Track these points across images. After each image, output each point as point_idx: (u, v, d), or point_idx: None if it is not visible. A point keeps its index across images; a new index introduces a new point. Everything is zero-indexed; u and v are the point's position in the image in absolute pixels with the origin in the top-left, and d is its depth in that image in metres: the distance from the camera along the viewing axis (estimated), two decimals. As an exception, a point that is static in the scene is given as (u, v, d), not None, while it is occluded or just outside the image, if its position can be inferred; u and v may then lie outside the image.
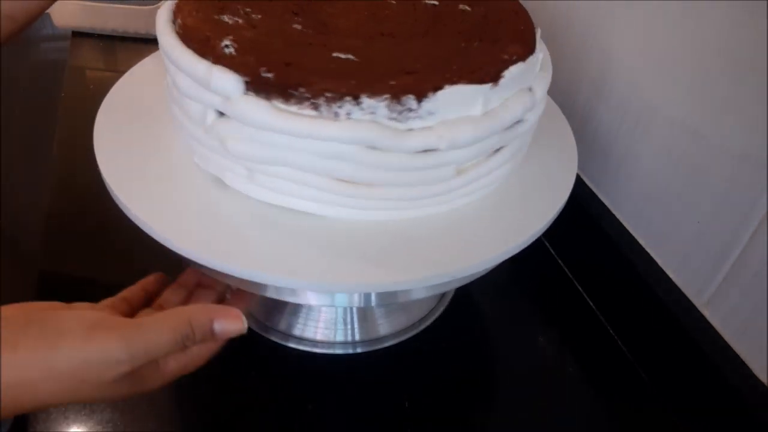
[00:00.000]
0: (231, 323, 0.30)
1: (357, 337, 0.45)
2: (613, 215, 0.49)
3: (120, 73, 0.43)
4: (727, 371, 0.38)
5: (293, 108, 0.29)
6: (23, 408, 0.27)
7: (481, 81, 0.31)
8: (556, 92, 0.47)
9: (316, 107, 0.29)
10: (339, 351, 0.44)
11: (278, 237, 0.32)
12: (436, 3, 0.38)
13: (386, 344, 0.45)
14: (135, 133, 0.38)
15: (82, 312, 0.28)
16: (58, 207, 0.56)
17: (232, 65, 0.30)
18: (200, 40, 0.31)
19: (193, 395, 0.41)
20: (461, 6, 0.38)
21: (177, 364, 0.30)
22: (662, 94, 0.42)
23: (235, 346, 0.44)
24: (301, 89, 0.29)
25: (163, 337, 0.28)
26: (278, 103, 0.29)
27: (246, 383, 0.42)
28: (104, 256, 0.50)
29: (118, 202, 0.34)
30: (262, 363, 0.43)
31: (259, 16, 0.34)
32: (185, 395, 0.41)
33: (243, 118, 0.30)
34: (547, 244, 0.55)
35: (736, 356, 0.38)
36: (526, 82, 0.34)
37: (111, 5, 0.77)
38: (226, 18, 0.33)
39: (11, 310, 0.27)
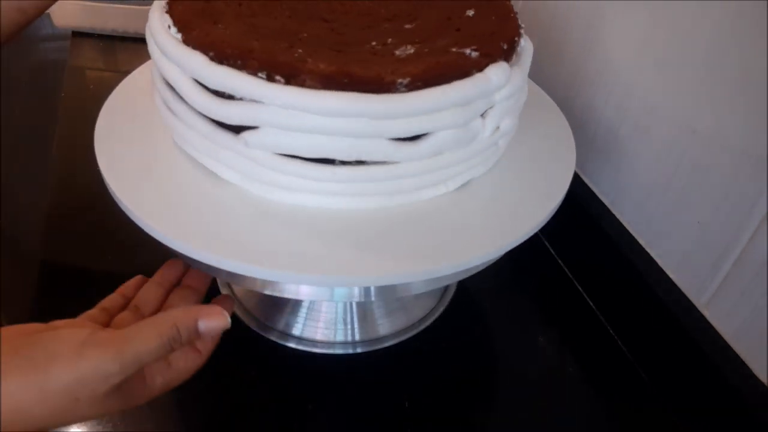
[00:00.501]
0: (215, 320, 0.30)
1: (357, 337, 0.45)
2: (613, 215, 0.49)
3: (120, 72, 0.43)
4: (727, 371, 0.38)
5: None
6: None
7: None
8: (556, 92, 0.47)
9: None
10: (339, 351, 0.44)
11: (280, 232, 0.32)
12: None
13: (386, 344, 0.45)
14: (135, 133, 0.38)
15: (68, 331, 0.28)
16: (58, 207, 0.56)
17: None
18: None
19: (193, 395, 0.41)
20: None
21: (163, 379, 0.31)
22: (662, 94, 0.42)
23: (235, 345, 0.44)
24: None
25: (151, 344, 0.28)
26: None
27: (246, 383, 0.42)
28: (104, 255, 0.50)
29: (117, 201, 0.34)
30: (262, 363, 0.43)
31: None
32: (185, 395, 0.41)
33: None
34: (547, 244, 0.55)
35: (736, 356, 0.38)
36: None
37: (111, 5, 0.77)
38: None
39: None
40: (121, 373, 0.27)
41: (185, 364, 0.31)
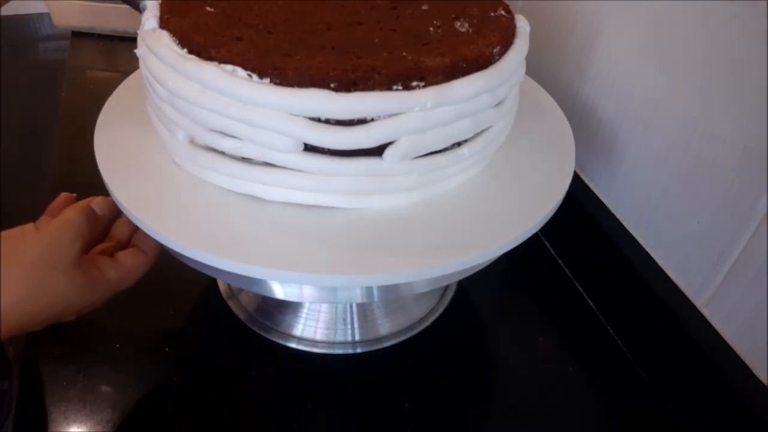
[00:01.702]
0: (97, 200, 0.37)
1: (357, 337, 0.45)
2: (613, 215, 0.49)
3: (120, 72, 0.43)
4: (727, 371, 0.38)
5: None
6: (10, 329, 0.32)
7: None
8: (556, 92, 0.47)
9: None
10: (339, 351, 0.44)
11: (280, 234, 0.32)
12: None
13: (386, 344, 0.45)
14: (135, 134, 0.38)
15: (17, 228, 0.34)
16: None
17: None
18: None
19: (193, 395, 0.41)
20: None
21: (116, 273, 0.36)
22: (662, 94, 0.42)
23: (235, 345, 0.44)
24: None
25: (77, 213, 0.35)
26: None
27: (246, 383, 0.42)
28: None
29: (117, 202, 0.34)
30: (262, 363, 0.43)
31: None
32: (185, 395, 0.41)
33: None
34: (547, 244, 0.55)
35: (736, 356, 0.38)
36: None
37: (111, 5, 0.77)
38: None
39: None
40: (77, 238, 0.34)
41: (132, 260, 0.37)
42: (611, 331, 0.48)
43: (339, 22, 0.35)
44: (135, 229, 0.40)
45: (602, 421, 0.43)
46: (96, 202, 0.37)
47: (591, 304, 0.50)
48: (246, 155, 0.33)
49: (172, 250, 0.33)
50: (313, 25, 0.34)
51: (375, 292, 0.35)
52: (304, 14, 0.36)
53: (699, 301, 0.41)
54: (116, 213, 0.38)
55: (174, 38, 0.33)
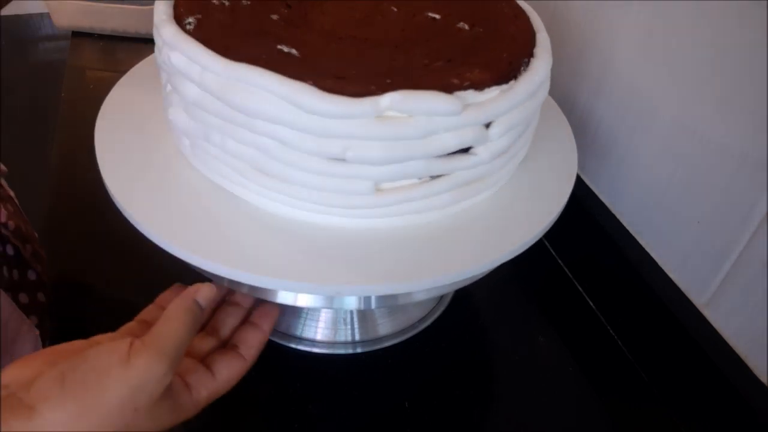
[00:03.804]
0: (204, 290, 0.31)
1: (357, 337, 0.45)
2: (613, 215, 0.49)
3: (120, 73, 0.43)
4: (727, 371, 0.38)
5: None
6: None
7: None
8: (556, 92, 0.47)
9: None
10: (339, 351, 0.44)
11: (278, 241, 0.32)
12: (437, 17, 0.37)
13: (386, 344, 0.45)
14: (135, 134, 0.38)
15: (110, 345, 0.28)
16: (58, 207, 0.56)
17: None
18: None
19: (193, 395, 0.41)
20: (460, 24, 0.36)
21: (207, 391, 0.31)
22: (662, 94, 0.42)
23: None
24: None
25: (181, 327, 0.29)
26: None
27: (246, 383, 0.42)
28: (103, 255, 0.50)
29: (115, 203, 0.34)
30: (262, 363, 0.43)
31: (248, 3, 0.35)
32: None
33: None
34: (547, 244, 0.55)
35: (736, 356, 0.38)
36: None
37: (111, 5, 0.77)
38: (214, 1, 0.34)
39: (35, 368, 0.26)
40: (171, 369, 0.27)
41: (228, 371, 0.32)
42: (611, 331, 0.48)
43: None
44: (238, 324, 0.36)
45: (602, 421, 0.43)
46: (202, 294, 0.31)
47: (591, 304, 0.50)
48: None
49: (169, 252, 0.33)
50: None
51: (373, 301, 0.35)
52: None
53: (699, 301, 0.41)
54: (222, 297, 0.34)
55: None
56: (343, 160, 0.30)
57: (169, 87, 0.35)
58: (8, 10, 0.81)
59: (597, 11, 0.48)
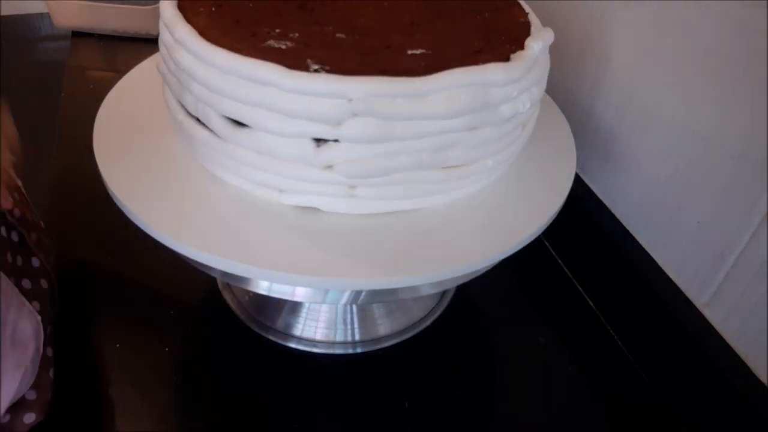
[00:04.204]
0: None
1: (357, 337, 0.45)
2: (613, 215, 0.49)
3: (120, 73, 0.43)
4: (727, 371, 0.38)
5: None
6: None
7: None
8: (556, 92, 0.47)
9: None
10: (339, 351, 0.44)
11: (276, 233, 0.32)
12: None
13: (386, 344, 0.45)
14: (135, 133, 0.38)
15: None
16: (58, 207, 0.56)
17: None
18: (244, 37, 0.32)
19: (193, 395, 0.41)
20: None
21: None
22: (662, 94, 0.42)
23: (235, 345, 0.44)
24: None
25: None
26: None
27: (246, 383, 0.42)
28: (103, 255, 0.50)
29: (117, 202, 0.34)
30: (262, 363, 0.43)
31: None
32: (185, 395, 0.41)
33: (359, 138, 0.30)
34: (547, 244, 0.55)
35: (736, 356, 0.38)
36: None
37: (111, 5, 0.77)
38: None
39: None
40: None
41: None
42: (611, 331, 0.48)
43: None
44: None
45: (602, 421, 0.43)
46: None
47: (591, 304, 0.50)
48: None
49: (171, 249, 0.33)
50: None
51: (364, 295, 0.35)
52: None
53: (699, 301, 0.41)
54: None
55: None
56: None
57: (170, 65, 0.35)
58: (8, 10, 0.81)
59: (597, 11, 0.48)
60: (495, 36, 0.35)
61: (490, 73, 0.31)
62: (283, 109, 0.30)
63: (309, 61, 0.30)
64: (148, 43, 0.76)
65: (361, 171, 0.32)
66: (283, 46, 0.31)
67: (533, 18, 0.38)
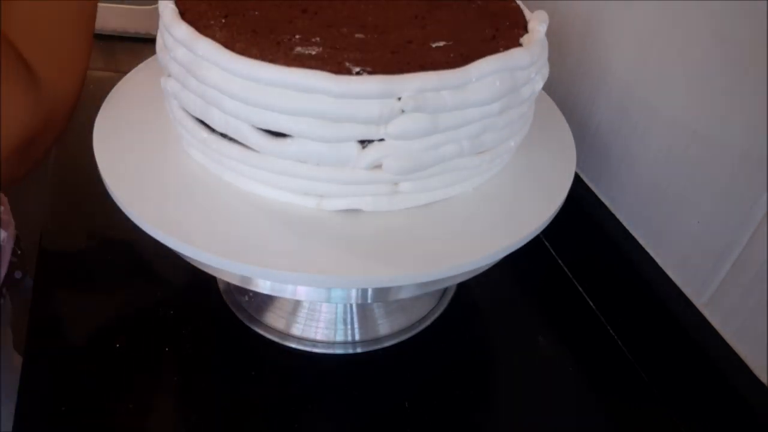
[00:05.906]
0: None
1: (357, 337, 0.45)
2: (613, 215, 0.49)
3: (120, 73, 0.43)
4: (727, 371, 0.38)
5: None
6: None
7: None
8: (556, 92, 0.47)
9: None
10: (339, 351, 0.44)
11: (279, 233, 0.32)
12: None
13: (386, 344, 0.45)
14: (135, 133, 0.38)
15: None
16: (58, 208, 0.56)
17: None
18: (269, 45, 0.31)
19: (193, 395, 0.41)
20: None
21: None
22: (662, 94, 0.42)
23: (234, 345, 0.44)
24: None
25: None
26: None
27: (246, 383, 0.42)
28: (103, 255, 0.50)
29: (117, 202, 0.34)
30: (262, 363, 0.43)
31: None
32: (184, 395, 0.41)
33: (408, 134, 0.31)
34: (547, 244, 0.55)
35: (736, 356, 0.38)
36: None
37: (111, 5, 0.77)
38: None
39: None
40: None
41: None
42: (611, 331, 0.48)
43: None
44: None
45: (602, 421, 0.43)
46: None
47: (591, 304, 0.50)
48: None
49: (171, 248, 0.33)
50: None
51: (370, 294, 0.35)
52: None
53: (699, 301, 0.41)
54: None
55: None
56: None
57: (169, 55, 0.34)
58: (8, 10, 0.81)
59: (597, 11, 0.48)
60: (500, 22, 0.36)
61: (517, 57, 0.33)
62: (330, 115, 0.30)
63: (348, 64, 0.30)
64: (148, 43, 0.76)
65: (409, 166, 0.32)
66: (313, 52, 0.30)
67: (519, 2, 0.39)
